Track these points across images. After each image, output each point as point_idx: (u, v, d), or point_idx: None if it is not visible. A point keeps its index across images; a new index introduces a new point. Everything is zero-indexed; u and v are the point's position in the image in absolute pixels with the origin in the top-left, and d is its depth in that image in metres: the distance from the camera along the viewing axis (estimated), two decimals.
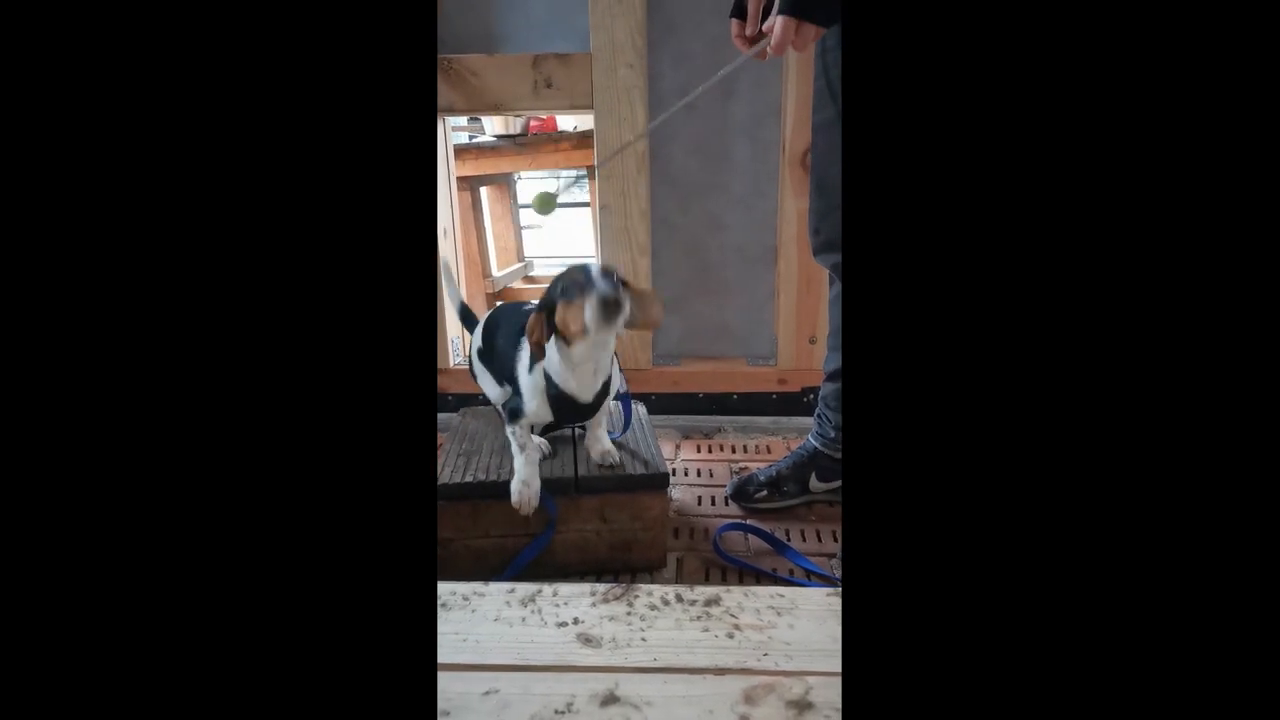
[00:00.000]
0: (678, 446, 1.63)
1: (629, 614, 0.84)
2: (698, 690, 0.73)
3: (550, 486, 1.16)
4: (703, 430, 1.71)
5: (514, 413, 1.17)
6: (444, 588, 0.88)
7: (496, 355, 1.25)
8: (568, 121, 2.71)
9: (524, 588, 0.88)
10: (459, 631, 0.81)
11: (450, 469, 1.20)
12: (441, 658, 0.75)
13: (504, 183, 2.81)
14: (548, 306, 1.06)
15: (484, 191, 2.64)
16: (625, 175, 1.58)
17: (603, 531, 1.20)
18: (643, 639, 0.80)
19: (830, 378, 1.34)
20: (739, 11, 1.03)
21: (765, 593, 0.87)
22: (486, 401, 1.41)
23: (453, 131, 2.03)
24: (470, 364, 1.36)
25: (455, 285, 1.50)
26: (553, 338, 1.09)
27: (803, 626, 0.82)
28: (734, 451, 1.61)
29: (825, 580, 1.17)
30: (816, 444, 1.37)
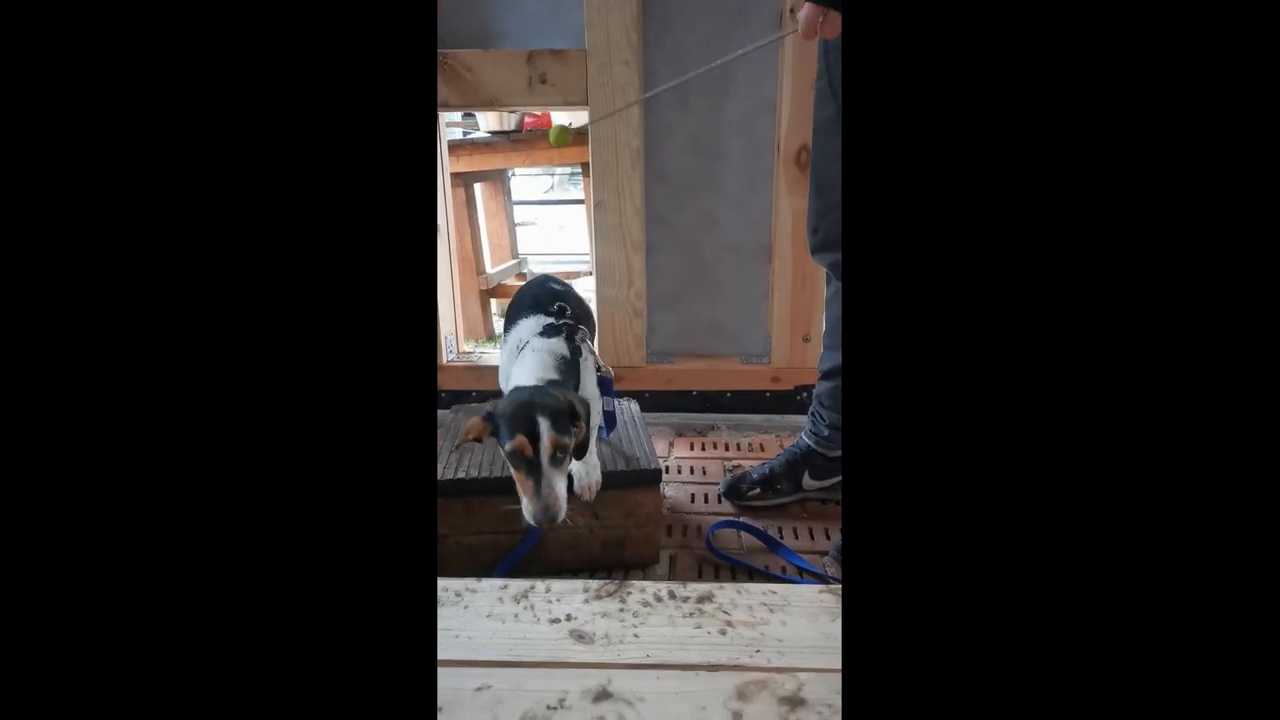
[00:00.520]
0: (671, 444, 1.63)
1: (622, 610, 0.84)
2: (690, 686, 0.73)
3: None
4: (696, 428, 1.71)
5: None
6: (437, 584, 0.88)
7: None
8: (562, 118, 2.71)
9: (517, 584, 0.88)
10: (452, 628, 0.81)
11: (442, 466, 1.20)
12: None
13: (498, 179, 2.80)
14: (495, 420, 0.98)
15: (478, 188, 2.64)
16: (620, 172, 1.58)
17: (595, 528, 1.20)
18: (635, 635, 0.80)
19: (825, 375, 1.34)
20: None
21: (758, 590, 0.87)
22: (479, 398, 1.41)
23: (447, 127, 2.03)
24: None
25: None
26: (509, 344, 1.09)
27: (795, 623, 0.82)
28: (727, 449, 1.61)
29: (817, 578, 1.17)
30: (810, 442, 1.38)
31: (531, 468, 0.94)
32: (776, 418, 1.72)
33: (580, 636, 0.80)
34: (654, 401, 1.72)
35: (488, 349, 2.08)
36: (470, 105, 1.67)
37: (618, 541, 1.21)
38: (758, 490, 1.37)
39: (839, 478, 1.39)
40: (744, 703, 0.71)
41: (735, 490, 1.39)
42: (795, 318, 1.67)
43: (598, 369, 1.23)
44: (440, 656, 0.76)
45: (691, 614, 0.83)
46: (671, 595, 0.86)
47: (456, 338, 1.86)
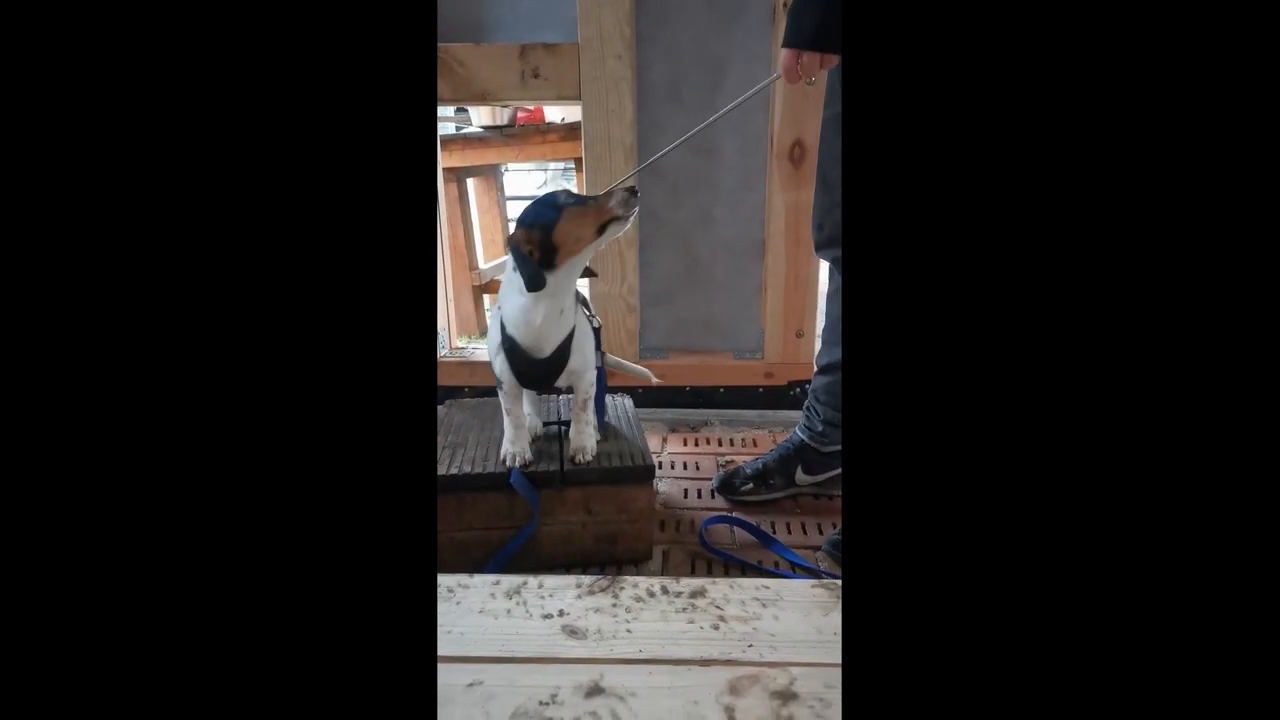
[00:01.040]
0: (664, 439, 1.63)
1: (614, 606, 0.84)
2: (683, 681, 0.73)
3: (534, 479, 1.16)
4: (689, 423, 1.71)
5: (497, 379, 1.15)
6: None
7: None
8: (555, 113, 2.70)
9: (509, 580, 0.88)
10: (444, 623, 0.81)
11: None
12: None
13: (491, 174, 2.79)
14: (540, 225, 1.04)
15: (470, 183, 2.62)
16: (613, 169, 1.58)
17: (588, 524, 1.20)
18: (628, 630, 0.80)
19: (822, 370, 1.34)
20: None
21: (750, 585, 0.87)
22: (471, 394, 1.41)
23: (440, 122, 2.02)
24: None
25: None
26: (512, 278, 1.07)
27: (787, 618, 0.82)
28: (720, 445, 1.61)
29: (810, 573, 1.17)
30: (803, 437, 1.38)
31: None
32: (769, 413, 1.72)
33: (573, 632, 0.80)
34: (647, 397, 1.72)
35: (480, 344, 2.08)
36: (462, 99, 1.66)
37: (610, 537, 1.21)
38: (751, 485, 1.37)
39: (832, 472, 1.39)
40: (736, 697, 0.71)
41: (728, 485, 1.39)
42: (788, 313, 1.67)
43: (590, 318, 1.22)
44: None
45: (684, 609, 0.83)
46: (664, 590, 0.86)
47: (449, 333, 1.85)
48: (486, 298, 2.63)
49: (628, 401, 1.42)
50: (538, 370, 1.12)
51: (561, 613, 0.83)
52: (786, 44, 1.00)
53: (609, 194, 1.06)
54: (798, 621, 0.81)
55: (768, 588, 0.87)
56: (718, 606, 0.84)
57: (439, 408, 1.42)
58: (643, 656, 0.76)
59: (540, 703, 0.70)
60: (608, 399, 1.42)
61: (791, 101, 1.53)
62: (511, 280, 1.09)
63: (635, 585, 0.87)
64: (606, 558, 1.22)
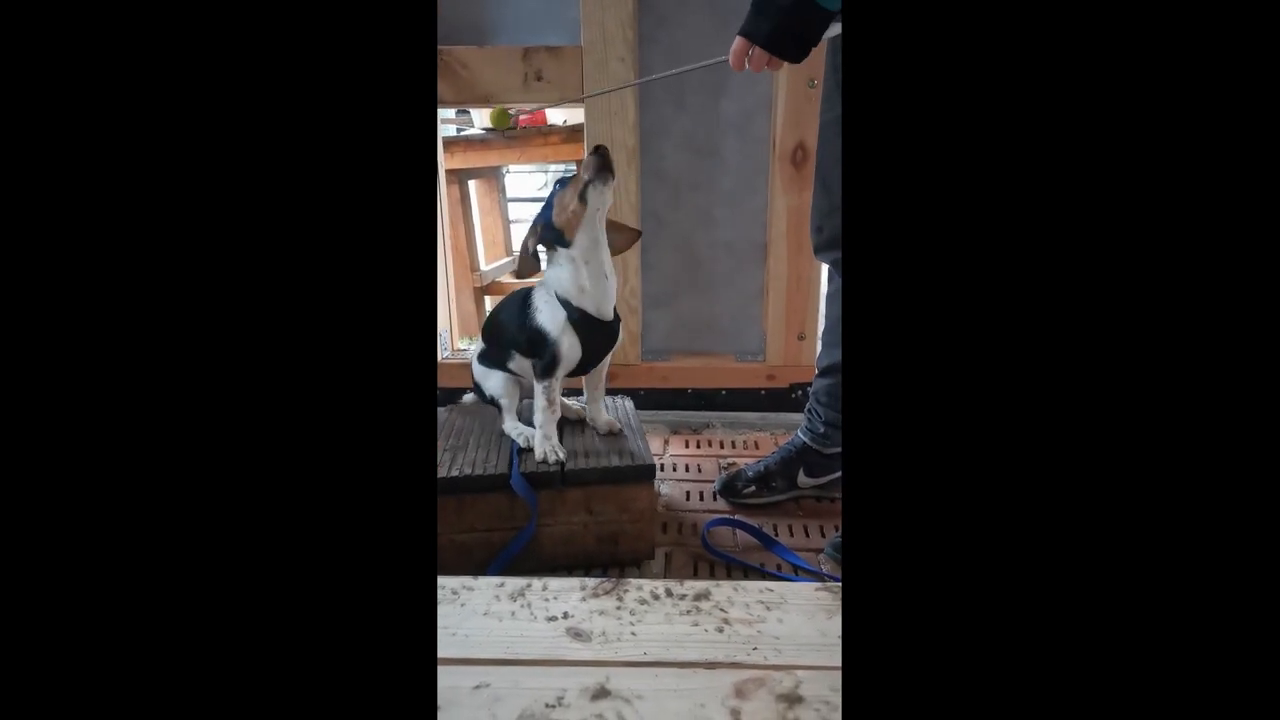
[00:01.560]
0: (666, 442, 1.63)
1: (619, 608, 0.84)
2: (689, 684, 0.73)
3: (534, 479, 1.16)
4: (691, 426, 1.71)
5: (547, 367, 1.17)
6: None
7: (501, 335, 1.27)
8: (557, 115, 2.70)
9: (513, 582, 0.88)
10: (448, 626, 0.81)
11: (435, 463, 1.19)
12: None
13: (492, 176, 2.80)
14: (542, 221, 1.17)
15: (472, 185, 2.63)
16: (616, 170, 1.58)
17: (590, 524, 1.20)
18: (633, 633, 0.80)
19: (823, 373, 1.35)
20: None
21: (754, 587, 0.87)
22: (475, 396, 1.41)
23: (441, 124, 2.02)
24: (473, 372, 1.36)
25: None
26: (551, 257, 1.17)
27: (791, 621, 0.82)
28: (722, 447, 1.61)
29: (813, 575, 1.17)
30: (805, 439, 1.38)
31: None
32: (771, 415, 1.72)
33: (577, 634, 0.80)
34: (649, 399, 1.72)
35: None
36: (465, 102, 1.66)
37: (612, 537, 1.21)
38: (753, 488, 1.37)
39: (833, 475, 1.39)
40: (742, 700, 0.71)
41: (730, 488, 1.39)
42: (790, 316, 1.67)
43: None
44: (437, 655, 0.76)
45: (689, 612, 0.83)
46: (669, 593, 0.86)
47: (451, 335, 1.85)
48: (488, 299, 2.63)
49: (628, 403, 1.42)
50: (598, 339, 1.18)
51: (566, 615, 0.83)
52: (743, 33, 0.97)
53: (584, 163, 1.15)
54: (802, 624, 0.81)
55: (771, 590, 0.87)
56: (722, 609, 0.84)
57: (440, 410, 1.42)
58: (648, 659, 0.76)
59: (547, 705, 0.70)
60: (607, 399, 1.42)
61: (794, 104, 1.54)
62: (553, 260, 1.18)
63: (639, 588, 0.87)
64: (608, 558, 1.22)
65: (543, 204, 1.20)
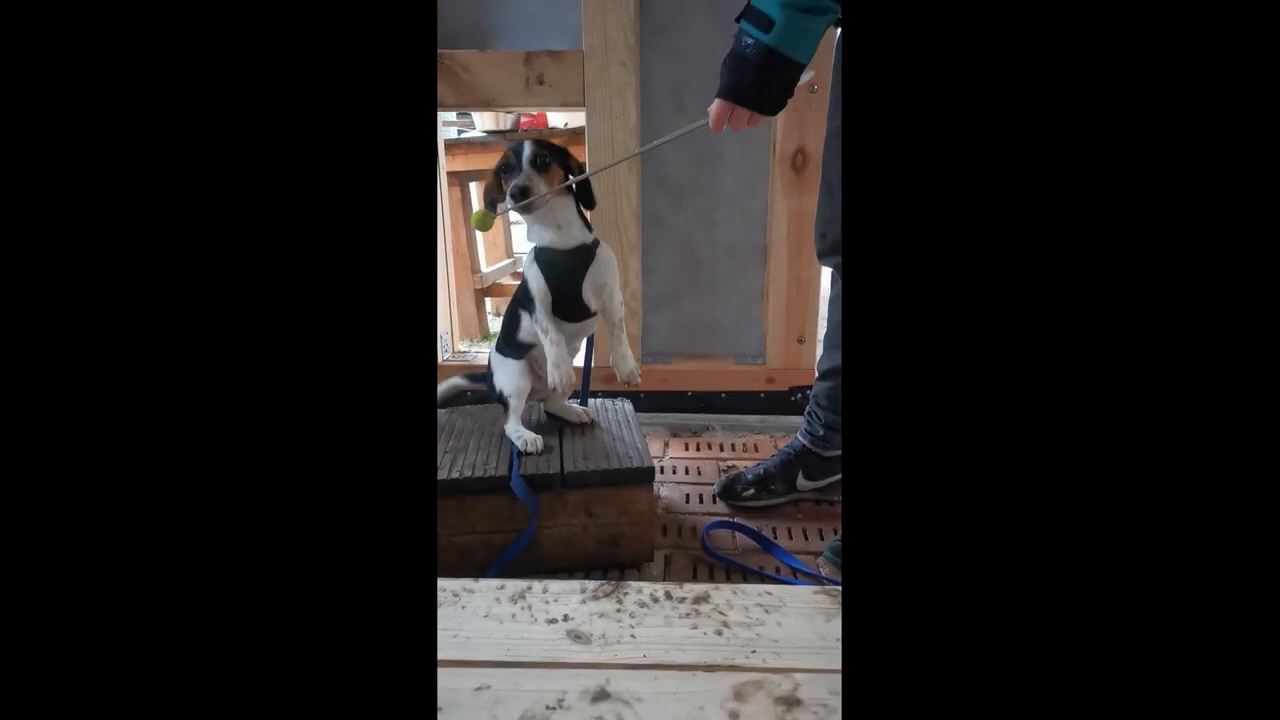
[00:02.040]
0: (666, 444, 1.64)
1: (619, 611, 0.84)
2: (688, 687, 0.74)
3: (534, 482, 1.17)
4: (691, 428, 1.72)
5: (529, 301, 1.23)
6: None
7: (513, 310, 1.30)
8: (559, 118, 2.71)
9: (514, 584, 0.89)
10: (449, 628, 0.81)
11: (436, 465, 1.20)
12: None
13: None
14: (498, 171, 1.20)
15: (473, 187, 2.63)
16: (616, 173, 1.58)
17: (589, 526, 1.21)
18: (632, 636, 0.81)
19: (824, 376, 1.35)
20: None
21: (753, 590, 0.88)
22: (473, 399, 1.41)
23: (442, 126, 2.02)
24: (489, 360, 1.37)
25: None
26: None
27: (790, 624, 0.82)
28: (722, 450, 1.62)
29: (812, 578, 1.18)
30: (805, 442, 1.38)
31: (510, 170, 1.16)
32: (771, 418, 1.73)
33: (578, 637, 0.80)
34: (649, 402, 1.72)
35: (483, 348, 2.08)
36: (467, 105, 1.67)
37: (611, 539, 1.22)
38: (752, 491, 1.38)
39: (833, 478, 1.40)
40: (741, 703, 0.71)
41: (730, 491, 1.39)
42: (790, 319, 1.67)
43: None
44: (438, 656, 0.77)
45: (688, 614, 0.84)
46: (668, 596, 0.87)
47: (451, 337, 1.86)
48: (489, 301, 2.64)
49: (627, 405, 1.42)
50: (565, 268, 1.21)
51: (566, 617, 0.83)
52: (722, 95, 1.00)
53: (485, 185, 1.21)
54: (801, 627, 0.82)
55: (771, 593, 0.87)
56: (721, 612, 0.84)
57: (440, 412, 1.42)
58: (647, 662, 0.77)
59: (547, 707, 0.71)
60: (606, 402, 1.43)
61: (794, 109, 1.53)
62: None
63: (639, 590, 0.87)
64: (608, 560, 1.23)
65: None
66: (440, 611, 0.84)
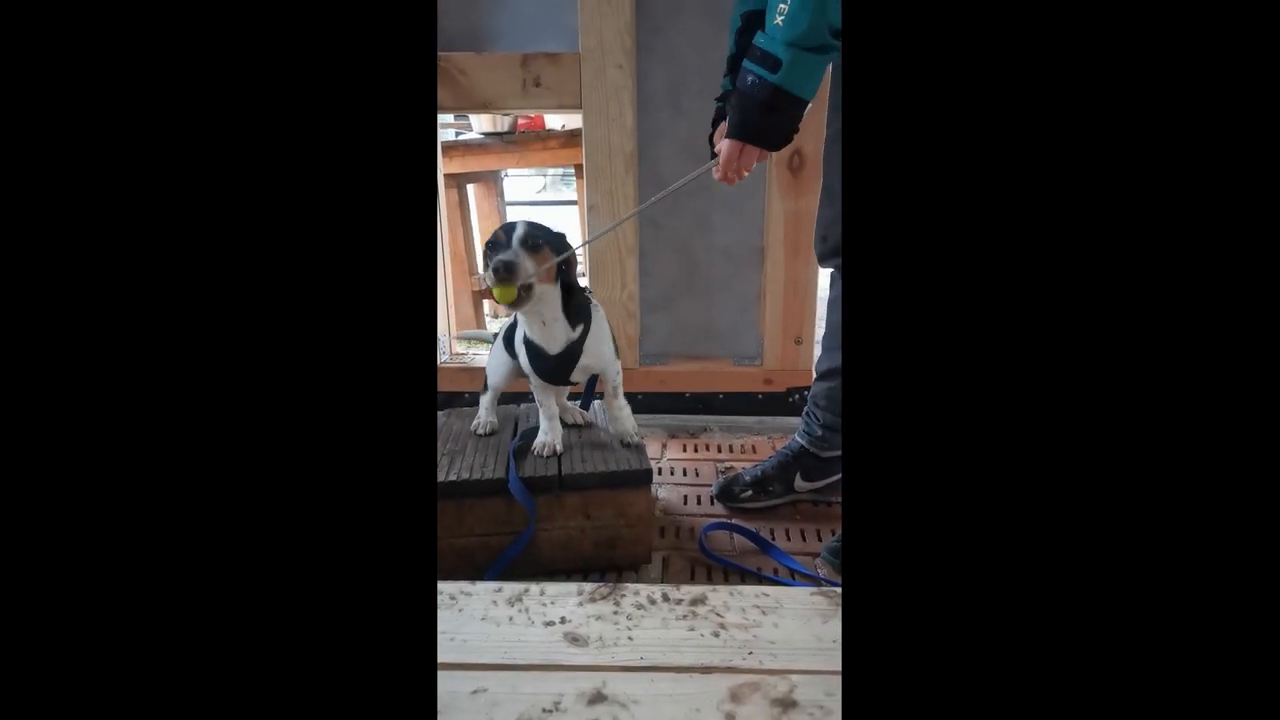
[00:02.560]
0: (664, 446, 1.64)
1: (616, 613, 0.84)
2: (684, 689, 0.74)
3: (532, 484, 1.17)
4: (689, 430, 1.72)
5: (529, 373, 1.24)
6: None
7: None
8: (556, 120, 2.71)
9: (511, 587, 0.89)
10: (446, 630, 0.81)
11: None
12: None
13: (491, 180, 2.80)
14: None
15: (471, 189, 2.63)
16: (613, 175, 1.59)
17: (587, 529, 1.21)
18: (629, 638, 0.81)
19: (822, 376, 1.35)
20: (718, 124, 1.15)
21: (750, 592, 0.88)
22: (471, 400, 1.42)
23: (440, 129, 2.02)
24: (492, 345, 1.40)
25: None
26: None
27: (787, 625, 0.82)
28: (720, 451, 1.62)
29: (809, 579, 1.18)
30: (802, 443, 1.39)
31: (497, 247, 1.11)
32: (769, 419, 1.73)
33: (574, 639, 0.80)
34: (647, 403, 1.72)
35: (480, 350, 2.08)
36: (464, 108, 1.67)
37: (609, 542, 1.22)
38: (750, 492, 1.38)
39: (830, 479, 1.40)
40: (737, 705, 0.72)
41: (727, 492, 1.39)
42: (787, 320, 1.68)
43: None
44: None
45: (685, 616, 0.84)
46: (665, 598, 0.87)
47: (449, 339, 1.86)
48: (486, 304, 2.64)
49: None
50: (549, 364, 1.22)
51: (563, 620, 0.83)
52: (733, 136, 1.01)
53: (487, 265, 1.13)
54: (797, 629, 0.82)
55: (767, 595, 0.87)
56: (718, 614, 0.84)
57: (439, 414, 1.42)
58: (644, 664, 0.77)
59: (544, 710, 0.71)
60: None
61: None
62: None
63: (636, 592, 0.88)
64: (606, 563, 1.23)
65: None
66: (438, 614, 0.84)
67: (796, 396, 1.71)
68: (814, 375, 1.40)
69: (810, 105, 1.01)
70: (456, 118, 2.73)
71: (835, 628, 0.82)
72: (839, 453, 1.37)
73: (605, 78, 1.53)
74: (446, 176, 2.24)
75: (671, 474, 1.52)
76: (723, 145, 1.03)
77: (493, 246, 1.13)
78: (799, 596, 0.88)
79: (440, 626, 0.82)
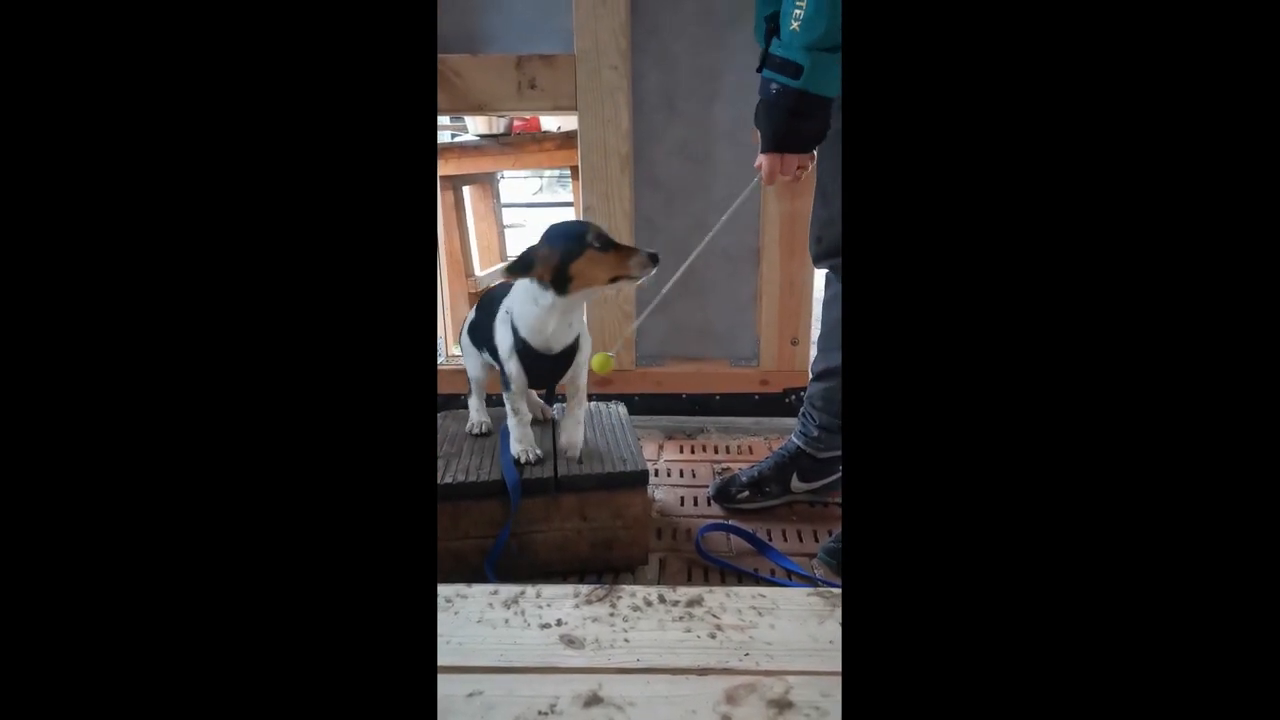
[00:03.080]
0: (660, 447, 1.64)
1: (612, 615, 0.84)
2: (680, 690, 0.74)
3: (528, 486, 1.17)
4: (685, 431, 1.72)
5: (505, 381, 1.21)
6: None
7: (481, 328, 1.28)
8: (551, 122, 2.70)
9: (507, 589, 0.88)
10: (443, 633, 0.81)
11: None
12: None
13: (487, 182, 2.80)
14: (561, 252, 1.09)
15: (467, 191, 2.63)
16: (609, 177, 1.59)
17: (583, 530, 1.21)
18: (626, 640, 0.81)
19: (819, 377, 1.35)
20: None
21: (747, 593, 0.88)
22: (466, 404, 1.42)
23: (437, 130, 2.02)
24: (461, 342, 1.39)
25: None
26: (527, 289, 1.12)
27: (783, 626, 0.82)
28: (716, 452, 1.62)
29: (806, 580, 1.18)
30: (799, 444, 1.39)
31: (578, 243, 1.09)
32: (765, 420, 1.73)
33: (571, 641, 0.80)
34: (644, 405, 1.72)
35: None
36: (459, 110, 1.67)
37: (605, 543, 1.22)
38: (746, 493, 1.38)
39: (827, 480, 1.40)
40: (733, 706, 0.72)
41: (724, 493, 1.39)
42: (783, 321, 1.68)
43: None
44: None
45: (681, 618, 0.84)
46: (661, 599, 0.87)
47: (445, 341, 1.86)
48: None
49: (621, 409, 1.42)
50: (545, 367, 1.19)
51: (559, 622, 0.83)
52: (770, 148, 1.02)
53: (633, 251, 1.11)
54: (794, 630, 0.82)
55: (764, 596, 0.87)
56: (714, 615, 0.84)
57: (436, 415, 1.42)
58: (640, 666, 0.77)
59: (540, 713, 0.71)
60: (600, 405, 1.43)
61: None
62: (527, 289, 1.13)
63: (632, 594, 0.87)
64: (602, 564, 1.23)
65: (566, 230, 1.12)
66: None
67: (793, 397, 1.71)
68: (810, 376, 1.40)
69: (837, 99, 1.00)
70: (452, 119, 2.72)
71: (832, 629, 0.82)
72: (836, 453, 1.37)
73: (600, 79, 1.53)
74: (442, 178, 2.24)
75: (668, 475, 1.52)
76: (760, 160, 1.05)
77: (596, 240, 1.09)
78: (796, 597, 0.88)
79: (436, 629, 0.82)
